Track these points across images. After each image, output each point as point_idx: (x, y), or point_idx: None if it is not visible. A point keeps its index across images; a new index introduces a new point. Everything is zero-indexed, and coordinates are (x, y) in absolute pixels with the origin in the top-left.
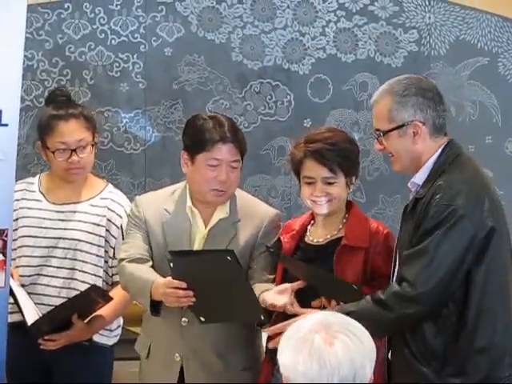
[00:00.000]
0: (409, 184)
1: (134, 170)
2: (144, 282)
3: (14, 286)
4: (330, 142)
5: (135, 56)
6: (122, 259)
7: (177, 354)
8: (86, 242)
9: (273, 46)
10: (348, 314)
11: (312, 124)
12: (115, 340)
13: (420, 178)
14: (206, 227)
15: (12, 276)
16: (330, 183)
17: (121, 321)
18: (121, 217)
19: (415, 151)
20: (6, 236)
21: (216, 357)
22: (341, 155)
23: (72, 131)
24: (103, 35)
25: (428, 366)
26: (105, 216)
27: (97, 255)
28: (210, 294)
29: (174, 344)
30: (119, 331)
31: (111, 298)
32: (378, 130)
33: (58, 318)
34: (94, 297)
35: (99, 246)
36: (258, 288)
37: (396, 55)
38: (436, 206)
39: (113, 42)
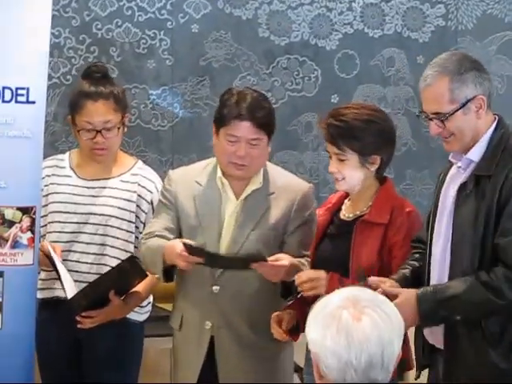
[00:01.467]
0: (454, 159)
1: (161, 147)
2: (156, 248)
3: (57, 260)
4: (341, 119)
5: (162, 33)
6: (143, 237)
7: (208, 322)
8: (117, 217)
9: (299, 22)
10: (448, 298)
11: (339, 100)
12: (145, 316)
13: (476, 154)
14: (238, 199)
15: (54, 250)
16: (341, 160)
17: (151, 297)
18: (151, 192)
19: (478, 127)
20: (35, 214)
21: (247, 327)
22: (348, 134)
23: (99, 112)
24: (130, 12)
25: (496, 349)
26: (135, 192)
27: (127, 231)
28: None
29: (205, 312)
30: (149, 308)
31: (147, 275)
32: (437, 113)
33: (96, 293)
34: (131, 271)
35: (130, 221)
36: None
37: (423, 30)
38: None
39: (139, 18)
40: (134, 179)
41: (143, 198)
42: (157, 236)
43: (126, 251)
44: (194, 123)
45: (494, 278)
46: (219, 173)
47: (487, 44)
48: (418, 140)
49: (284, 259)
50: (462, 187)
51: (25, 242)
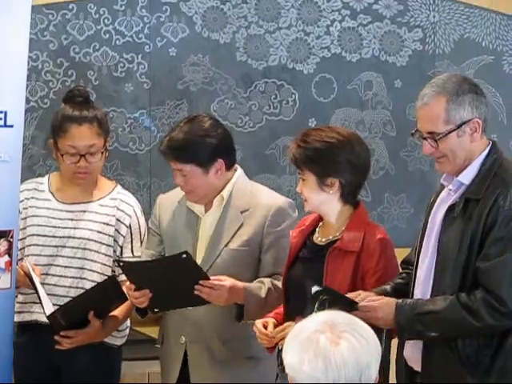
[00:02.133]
0: (445, 181)
1: (139, 171)
2: None
3: (36, 280)
4: (303, 139)
5: (140, 56)
6: None
7: (182, 337)
8: (96, 241)
9: (277, 46)
10: (426, 313)
11: (317, 123)
12: (123, 340)
13: (467, 176)
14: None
15: (34, 271)
16: (303, 180)
17: (128, 321)
18: (130, 216)
19: (471, 149)
20: (12, 237)
21: (220, 343)
22: (305, 155)
23: (84, 136)
24: (107, 35)
25: (472, 372)
26: (114, 215)
27: (105, 254)
28: (164, 289)
29: (179, 327)
30: (127, 332)
31: (126, 299)
32: (431, 133)
33: (75, 311)
34: (111, 292)
35: (108, 245)
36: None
37: (401, 54)
38: (505, 212)
39: (117, 42)
40: (113, 203)
41: (122, 222)
42: None
43: (104, 275)
44: None
45: (474, 301)
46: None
47: (465, 68)
48: (395, 163)
49: (226, 280)
50: (450, 209)
51: (2, 265)
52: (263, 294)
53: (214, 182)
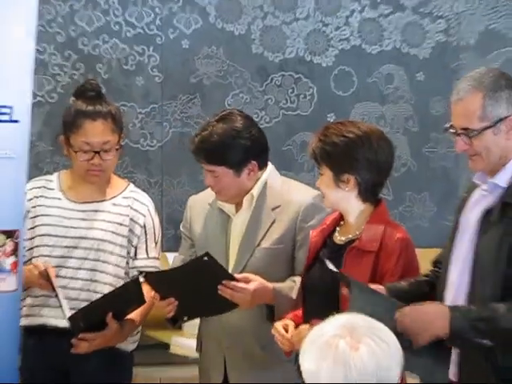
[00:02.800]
0: (478, 180)
1: (150, 168)
2: None
3: (55, 281)
4: (323, 133)
5: (151, 49)
6: None
7: (220, 343)
8: (109, 241)
9: (294, 37)
10: (479, 319)
11: (336, 118)
12: (135, 346)
13: (503, 178)
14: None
15: (51, 274)
16: (321, 175)
17: (139, 326)
18: (144, 215)
19: (507, 148)
20: (18, 238)
21: (259, 348)
22: (323, 149)
23: (98, 132)
24: (118, 27)
25: None
26: (128, 215)
27: (119, 255)
28: (190, 296)
29: (217, 333)
30: (138, 337)
31: (145, 302)
32: (466, 129)
33: (94, 314)
34: (132, 294)
35: (122, 246)
36: (286, 285)
37: (423, 46)
38: None
39: (128, 34)
40: (126, 202)
41: (136, 222)
42: None
43: (118, 277)
44: (184, 143)
45: None
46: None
47: (490, 60)
48: (417, 160)
49: (253, 281)
50: (487, 213)
51: (8, 266)
52: (294, 294)
53: (246, 183)
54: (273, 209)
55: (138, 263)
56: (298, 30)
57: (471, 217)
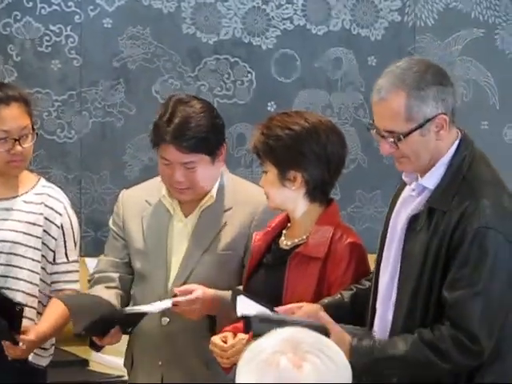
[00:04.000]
0: (407, 179)
1: (67, 162)
2: None
3: None
4: (265, 126)
5: (69, 28)
6: (91, 277)
7: (156, 360)
8: (21, 244)
9: (230, 16)
10: (386, 358)
11: (277, 107)
12: (48, 361)
13: (431, 180)
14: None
15: None
16: (265, 173)
17: (53, 339)
18: (60, 214)
19: (437, 148)
20: None
21: (202, 364)
22: (265, 143)
23: (15, 117)
24: (31, 4)
25: None
26: (42, 214)
27: (33, 259)
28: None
29: (155, 347)
30: (52, 350)
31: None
32: (390, 132)
33: None
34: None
35: (35, 248)
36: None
37: (375, 26)
38: (473, 230)
39: (42, 11)
40: (39, 199)
41: (51, 222)
42: (96, 281)
43: (32, 283)
44: (106, 134)
45: (440, 339)
46: (164, 190)
47: (450, 43)
48: (369, 155)
49: (196, 290)
50: (414, 218)
51: None
52: None
53: (217, 173)
54: (224, 211)
55: (57, 268)
56: (235, 8)
57: (398, 221)
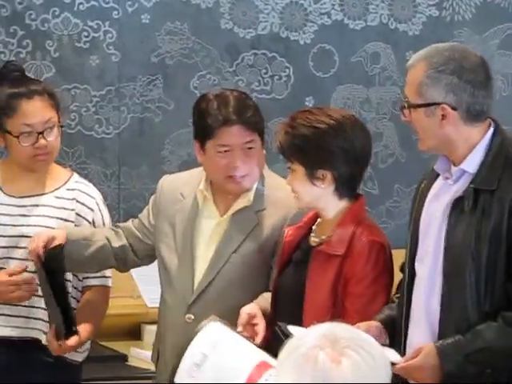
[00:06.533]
0: (439, 169)
1: (105, 158)
2: None
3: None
4: (290, 125)
5: (107, 24)
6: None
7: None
8: None
9: (268, 11)
10: (476, 351)
11: (315, 102)
12: (83, 356)
13: (472, 164)
14: (222, 216)
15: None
16: (292, 172)
17: None
18: (92, 210)
19: (444, 135)
20: None
21: None
22: (292, 142)
23: (37, 110)
24: None
25: None
26: (73, 210)
27: None
28: None
29: (179, 344)
30: (88, 345)
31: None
32: (406, 98)
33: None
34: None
35: None
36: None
37: (413, 21)
38: None
39: (80, 7)
40: (71, 195)
41: (83, 218)
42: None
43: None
44: (144, 130)
45: None
46: (202, 185)
47: (488, 38)
48: (407, 150)
49: (256, 316)
50: (457, 203)
51: None
52: None
53: (263, 163)
54: (257, 211)
55: None
56: (273, 3)
57: (436, 210)
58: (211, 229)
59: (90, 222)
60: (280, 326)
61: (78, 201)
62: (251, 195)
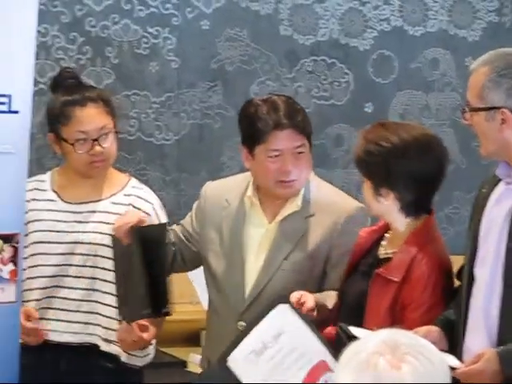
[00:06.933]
0: (501, 174)
1: (165, 165)
2: None
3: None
4: (364, 136)
5: (167, 30)
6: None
7: None
8: (108, 246)
9: (328, 18)
10: None
11: (374, 109)
12: (145, 362)
13: None
14: (271, 222)
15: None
16: (364, 182)
17: (154, 340)
18: (149, 215)
19: (504, 139)
20: (18, 242)
21: None
22: (360, 156)
23: (91, 117)
24: (129, 6)
25: None
26: None
27: None
28: None
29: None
30: (150, 351)
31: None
32: (468, 101)
33: None
34: None
35: None
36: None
37: (473, 27)
38: None
39: (140, 14)
40: (128, 200)
41: None
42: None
43: None
44: (204, 136)
45: None
46: (250, 191)
47: None
48: (466, 157)
49: (308, 300)
50: None
51: (6, 275)
52: (330, 303)
53: (310, 166)
54: (306, 217)
55: None
56: (332, 10)
57: (497, 215)
58: (260, 235)
59: None
60: (341, 326)
61: (134, 206)
62: (299, 200)
